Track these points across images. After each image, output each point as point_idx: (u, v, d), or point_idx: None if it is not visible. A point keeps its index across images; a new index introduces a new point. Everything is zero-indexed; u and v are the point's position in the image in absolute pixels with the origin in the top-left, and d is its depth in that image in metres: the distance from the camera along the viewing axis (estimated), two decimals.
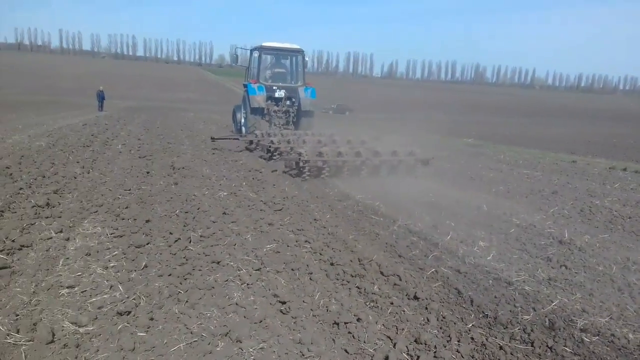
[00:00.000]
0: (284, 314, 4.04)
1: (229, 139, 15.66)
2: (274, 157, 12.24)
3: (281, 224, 6.66)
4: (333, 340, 3.68)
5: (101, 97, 34.24)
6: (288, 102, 16.06)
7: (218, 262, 5.01)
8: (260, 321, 3.79)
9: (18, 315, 3.74)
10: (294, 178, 10.43)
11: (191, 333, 3.58)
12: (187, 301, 4.11)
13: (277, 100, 15.90)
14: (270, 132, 14.26)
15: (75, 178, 8.88)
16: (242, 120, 16.73)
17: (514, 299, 4.51)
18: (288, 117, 16.08)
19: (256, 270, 4.95)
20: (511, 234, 6.72)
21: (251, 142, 14.26)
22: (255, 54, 16.21)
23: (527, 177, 12.32)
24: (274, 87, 15.78)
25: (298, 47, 16.43)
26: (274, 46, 16.33)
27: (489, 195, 9.50)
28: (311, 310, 4.14)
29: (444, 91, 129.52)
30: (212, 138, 15.36)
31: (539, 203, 8.99)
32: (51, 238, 5.52)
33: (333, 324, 3.89)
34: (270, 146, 12.44)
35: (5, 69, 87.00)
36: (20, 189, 7.51)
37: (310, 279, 4.81)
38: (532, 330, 3.90)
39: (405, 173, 11.04)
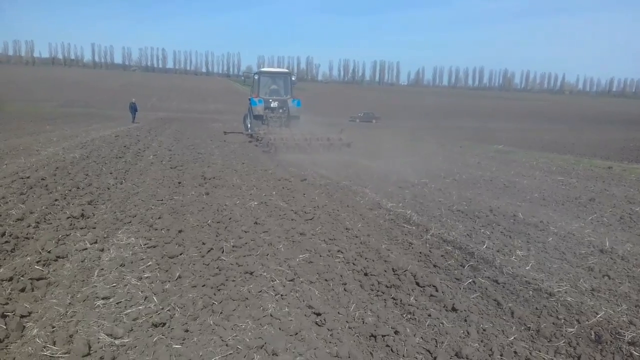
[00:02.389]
0: (319, 325, 3.97)
1: (236, 133, 23.48)
2: (260, 143, 18.44)
3: (313, 234, 6.60)
4: (371, 353, 3.58)
5: (134, 109, 34.99)
6: (280, 110, 21.30)
7: (251, 273, 4.97)
8: (296, 333, 3.73)
9: (54, 327, 3.75)
10: (272, 156, 16.19)
11: (227, 345, 3.53)
12: (221, 312, 4.07)
13: (273, 109, 21.19)
14: (262, 130, 19.23)
15: (108, 189, 9.01)
16: (249, 124, 22.61)
17: (557, 311, 4.34)
18: (281, 121, 21.00)
19: (290, 280, 4.89)
20: (549, 242, 6.52)
21: (251, 135, 21.19)
22: (256, 77, 21.99)
23: (562, 184, 12.03)
24: (270, 100, 21.23)
25: (287, 70, 24.05)
26: (269, 70, 23.74)
27: (523, 203, 9.29)
28: (347, 322, 4.06)
29: (472, 98, 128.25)
30: (224, 132, 23.77)
31: (576, 211, 8.74)
32: (86, 249, 5.57)
33: (370, 336, 3.80)
34: (257, 137, 19.36)
35: (40, 83, 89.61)
36: (56, 200, 7.64)
37: (345, 289, 4.73)
38: (577, 344, 3.75)
39: (338, 150, 17.32)
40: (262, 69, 23.26)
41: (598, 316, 4.18)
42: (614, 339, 3.83)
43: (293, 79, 22.65)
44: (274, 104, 21.19)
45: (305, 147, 16.79)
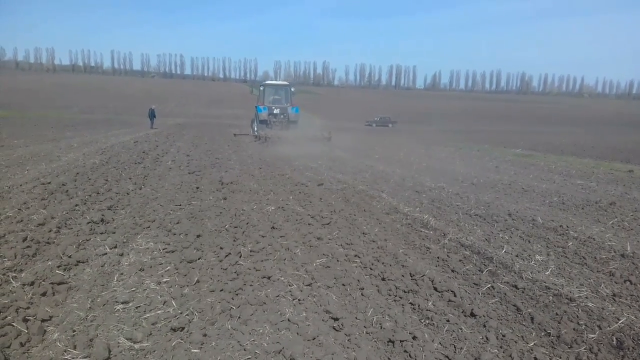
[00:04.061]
0: (337, 330, 3.96)
1: (244, 134, 28.25)
2: (260, 140, 23.00)
3: (330, 238, 6.60)
4: (389, 359, 3.57)
5: (152, 115, 35.41)
6: (282, 116, 25.42)
7: (269, 277, 4.98)
8: (314, 338, 3.73)
9: (75, 331, 3.80)
10: (267, 148, 20.68)
11: (244, 350, 3.54)
12: (239, 317, 4.09)
13: (275, 115, 25.36)
14: (264, 132, 23.62)
15: (128, 194, 9.11)
16: (255, 128, 26.69)
17: (577, 317, 4.28)
18: (282, 125, 25.16)
19: (307, 285, 4.90)
20: (569, 247, 6.44)
21: (255, 136, 25.09)
22: (262, 88, 26.56)
23: (581, 188, 11.88)
24: (273, 108, 25.51)
25: (287, 82, 28.97)
26: (272, 83, 28.73)
27: (542, 207, 9.18)
28: (364, 327, 4.05)
29: (489, 101, 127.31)
30: (234, 134, 28.86)
31: (596, 215, 8.62)
32: (106, 254, 5.64)
33: (388, 342, 3.78)
34: (259, 136, 23.68)
35: (61, 90, 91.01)
36: (76, 205, 7.74)
37: (362, 294, 4.72)
38: (599, 350, 3.69)
39: (320, 142, 22.19)
40: (267, 82, 28.69)
41: (620, 322, 4.12)
42: (636, 345, 3.77)
43: (292, 90, 27.14)
44: (276, 111, 25.49)
45: (294, 142, 21.11)
